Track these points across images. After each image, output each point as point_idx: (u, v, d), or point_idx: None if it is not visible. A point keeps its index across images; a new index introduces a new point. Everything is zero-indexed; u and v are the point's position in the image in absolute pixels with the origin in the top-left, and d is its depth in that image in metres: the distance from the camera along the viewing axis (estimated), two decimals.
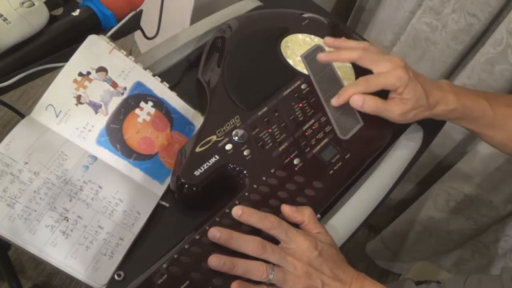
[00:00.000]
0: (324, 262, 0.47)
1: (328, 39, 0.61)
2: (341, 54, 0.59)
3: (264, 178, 0.52)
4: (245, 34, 0.62)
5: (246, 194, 0.50)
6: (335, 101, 0.57)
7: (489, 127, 0.59)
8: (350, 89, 0.56)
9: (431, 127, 0.69)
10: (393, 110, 0.55)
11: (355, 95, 0.55)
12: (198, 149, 0.51)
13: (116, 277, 0.48)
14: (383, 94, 0.56)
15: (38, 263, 1.18)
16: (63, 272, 0.46)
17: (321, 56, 0.59)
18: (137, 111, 0.54)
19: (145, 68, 0.57)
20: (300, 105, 0.58)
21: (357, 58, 0.57)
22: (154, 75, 0.57)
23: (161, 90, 0.57)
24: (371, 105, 0.55)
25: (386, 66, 0.55)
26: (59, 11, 0.57)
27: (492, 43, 0.82)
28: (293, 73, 0.60)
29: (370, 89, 0.55)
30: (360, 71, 0.58)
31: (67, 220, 0.47)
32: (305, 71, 0.61)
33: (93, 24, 0.57)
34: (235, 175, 0.52)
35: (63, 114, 0.51)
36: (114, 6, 0.57)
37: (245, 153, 0.52)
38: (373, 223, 1.43)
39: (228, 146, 0.52)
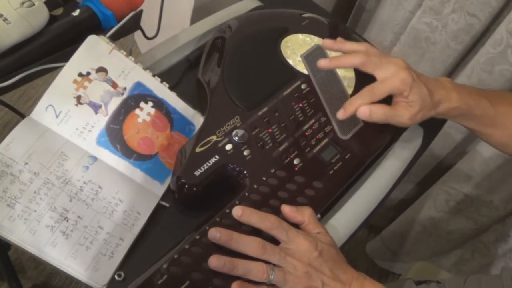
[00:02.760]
0: (324, 262, 0.47)
1: (327, 42, 0.58)
2: (342, 60, 0.56)
3: (264, 178, 0.52)
4: (245, 34, 0.62)
5: (246, 194, 0.50)
6: (341, 114, 0.55)
7: (490, 126, 0.59)
8: (355, 101, 0.54)
9: (431, 127, 0.69)
10: (402, 115, 0.53)
11: (361, 107, 0.53)
12: (198, 149, 0.51)
13: (116, 277, 0.48)
14: (386, 98, 0.54)
15: (38, 263, 1.18)
16: (63, 272, 0.46)
17: (322, 63, 0.57)
18: (137, 111, 0.54)
19: (145, 68, 0.57)
20: (300, 105, 0.58)
21: (360, 63, 0.55)
22: (154, 75, 0.57)
23: (161, 90, 0.57)
24: (379, 113, 0.53)
25: (389, 70, 0.54)
26: (59, 11, 0.57)
27: (492, 43, 0.82)
28: (293, 73, 0.60)
29: (376, 98, 0.53)
30: (360, 71, 0.58)
31: (67, 221, 0.47)
32: (305, 71, 0.61)
33: (93, 24, 0.57)
34: (235, 175, 0.52)
35: (63, 114, 0.51)
36: (114, 6, 0.57)
37: (245, 153, 0.52)
38: (373, 223, 1.43)
39: (228, 146, 0.52)
